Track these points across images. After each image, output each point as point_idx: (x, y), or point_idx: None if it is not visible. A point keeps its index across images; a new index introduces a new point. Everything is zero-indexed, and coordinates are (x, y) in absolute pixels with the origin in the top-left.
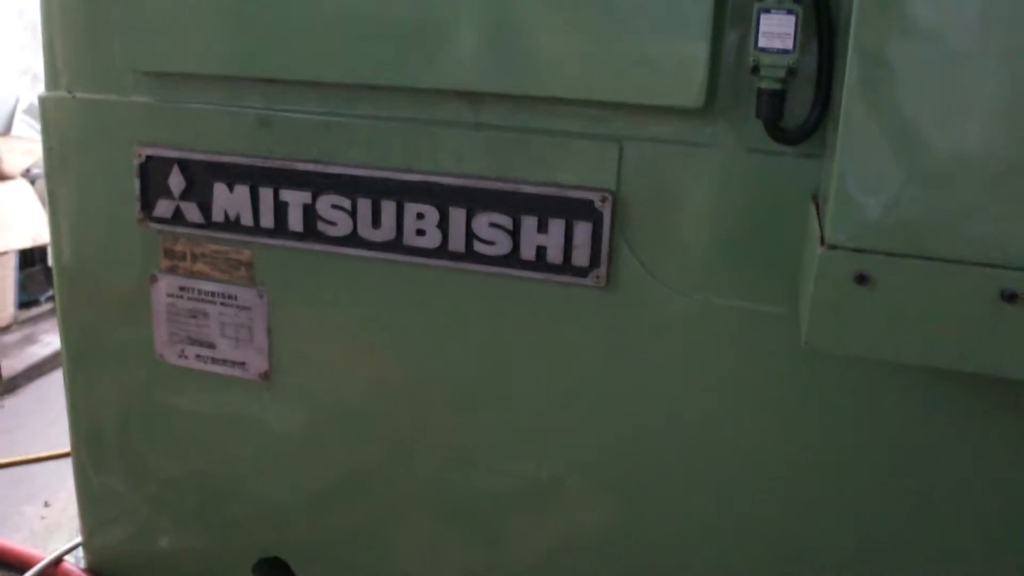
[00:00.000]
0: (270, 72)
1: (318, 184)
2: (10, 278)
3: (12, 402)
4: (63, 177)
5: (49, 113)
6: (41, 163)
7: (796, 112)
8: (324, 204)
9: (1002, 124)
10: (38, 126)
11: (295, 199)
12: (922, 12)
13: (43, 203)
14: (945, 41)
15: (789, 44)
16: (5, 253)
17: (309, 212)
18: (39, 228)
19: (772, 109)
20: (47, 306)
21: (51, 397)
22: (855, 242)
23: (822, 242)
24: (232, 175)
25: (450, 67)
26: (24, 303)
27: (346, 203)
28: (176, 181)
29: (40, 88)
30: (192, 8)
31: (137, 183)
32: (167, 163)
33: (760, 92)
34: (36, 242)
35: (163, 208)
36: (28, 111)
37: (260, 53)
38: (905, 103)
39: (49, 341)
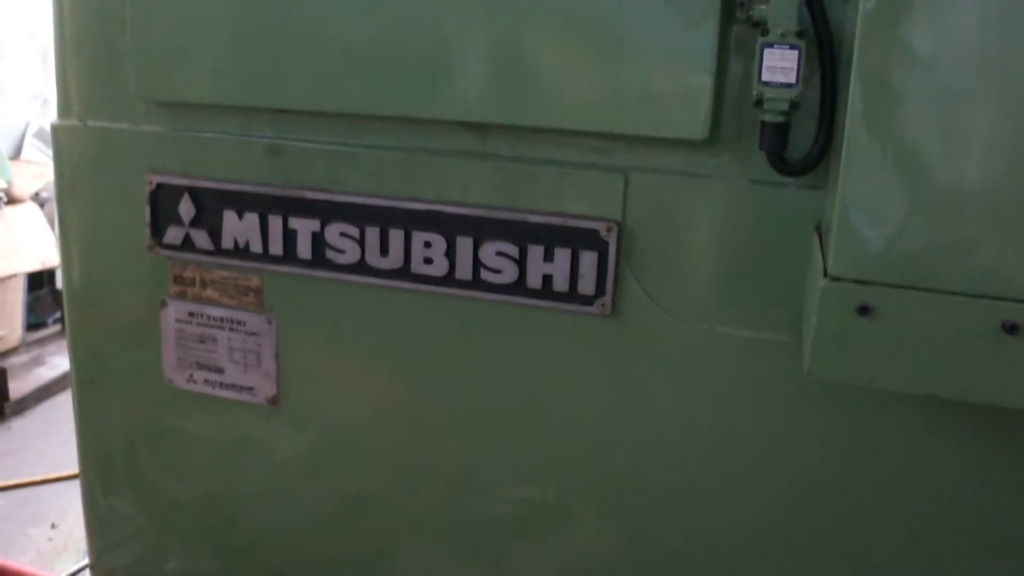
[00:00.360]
0: (280, 102)
1: (327, 212)
2: (18, 300)
3: (20, 424)
4: (74, 204)
5: (61, 141)
6: (50, 187)
7: (799, 144)
8: (332, 232)
9: (1003, 157)
10: (48, 150)
11: (304, 227)
12: (923, 46)
13: (52, 226)
14: (946, 74)
15: (792, 78)
16: (14, 276)
17: (318, 240)
18: (48, 251)
19: (775, 142)
20: (54, 328)
21: (59, 419)
22: (857, 274)
23: (825, 273)
24: (242, 203)
25: (457, 98)
26: (32, 325)
27: (354, 231)
28: (186, 208)
29: (50, 112)
30: (204, 38)
31: (148, 210)
32: (178, 191)
33: (763, 125)
34: (44, 265)
35: (173, 235)
36: (38, 135)
37: (270, 83)
38: (907, 136)
39: (57, 363)
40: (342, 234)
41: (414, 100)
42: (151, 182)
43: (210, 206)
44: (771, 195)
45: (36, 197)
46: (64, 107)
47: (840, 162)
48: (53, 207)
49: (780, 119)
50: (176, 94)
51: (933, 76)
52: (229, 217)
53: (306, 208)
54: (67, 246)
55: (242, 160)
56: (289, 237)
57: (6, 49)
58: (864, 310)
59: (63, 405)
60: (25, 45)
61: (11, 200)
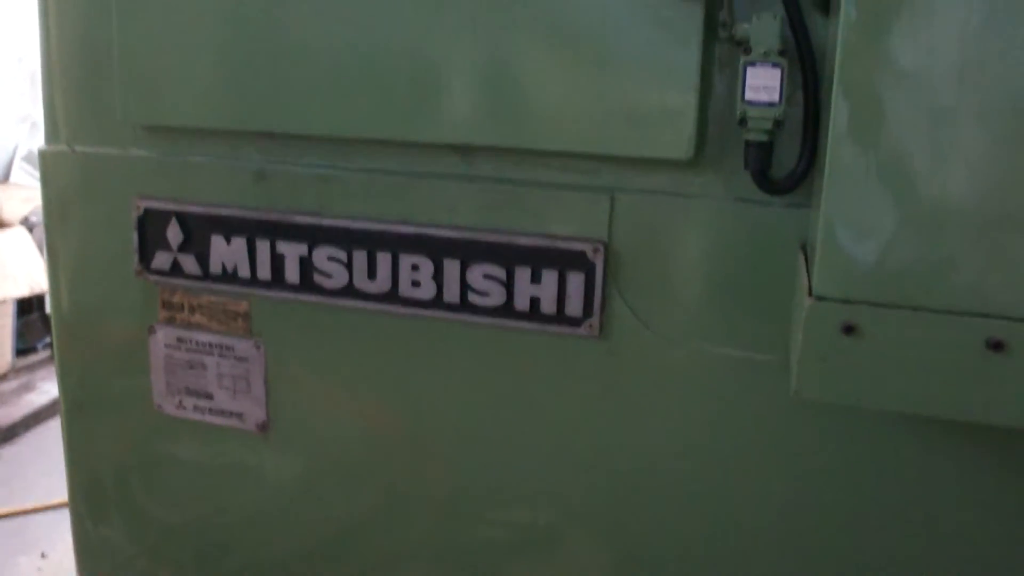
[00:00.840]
0: (267, 126)
1: (314, 236)
2: (8, 327)
3: (9, 451)
4: (62, 229)
5: (48, 166)
6: (39, 211)
7: (784, 163)
8: (320, 256)
9: (986, 172)
10: (37, 173)
11: (292, 251)
12: (905, 60)
13: (41, 251)
14: (929, 89)
15: (775, 97)
16: (3, 302)
17: (305, 264)
18: (37, 276)
19: (760, 160)
20: (44, 354)
21: (48, 446)
22: (842, 293)
23: (809, 293)
24: (229, 227)
25: (444, 121)
26: (21, 351)
27: (342, 255)
28: (174, 233)
29: (39, 135)
30: (190, 62)
31: (135, 235)
32: (165, 216)
33: (748, 144)
34: (34, 290)
35: (161, 260)
36: (27, 158)
37: (257, 107)
38: (889, 153)
39: (46, 389)
40: (330, 258)
41: (401, 123)
42: (139, 207)
43: (198, 231)
44: (757, 214)
45: (25, 221)
46: (51, 132)
47: (823, 180)
48: (42, 231)
49: (764, 138)
50: (163, 118)
51: (916, 91)
52: (217, 242)
53: (294, 232)
54: (55, 271)
55: (230, 185)
56: (277, 261)
57: None
58: (849, 329)
59: (53, 432)
60: (13, 67)
61: (0, 224)
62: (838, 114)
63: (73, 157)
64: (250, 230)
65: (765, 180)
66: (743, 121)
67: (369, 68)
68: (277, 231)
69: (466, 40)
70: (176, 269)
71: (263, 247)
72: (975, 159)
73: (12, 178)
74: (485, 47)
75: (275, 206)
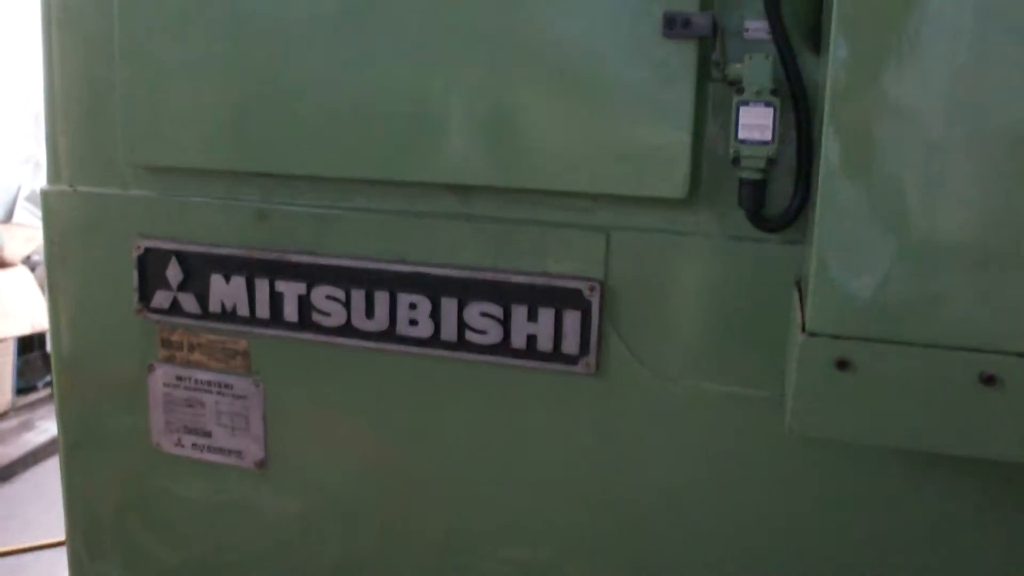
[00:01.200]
0: (267, 167)
1: (313, 275)
2: (8, 365)
3: (8, 490)
4: (63, 268)
5: (51, 206)
6: (41, 250)
7: (778, 200)
8: (319, 295)
9: (977, 207)
10: (39, 213)
11: (290, 290)
12: (896, 96)
13: (42, 290)
14: (917, 127)
15: (768, 135)
16: (4, 341)
17: (304, 303)
18: (38, 315)
19: (753, 198)
20: (44, 392)
21: (47, 484)
22: (835, 329)
23: (803, 329)
24: (229, 267)
25: (441, 162)
26: (22, 389)
27: (340, 294)
28: (174, 273)
29: (42, 175)
30: (191, 105)
31: (136, 275)
32: (165, 255)
33: (741, 182)
34: (35, 329)
35: (161, 299)
36: (30, 198)
37: (256, 148)
38: (880, 190)
39: (46, 428)
40: (328, 297)
41: (398, 164)
42: (139, 246)
43: (197, 270)
44: (751, 251)
45: (27, 260)
46: (54, 172)
47: (815, 217)
48: (44, 270)
49: (757, 176)
50: (163, 159)
51: (906, 129)
52: (216, 281)
53: (292, 271)
54: (56, 310)
55: (229, 224)
56: (276, 300)
57: None
58: (843, 364)
59: (51, 470)
60: (18, 108)
61: (2, 264)
62: (829, 152)
63: (75, 197)
64: (249, 269)
65: (759, 218)
66: (736, 160)
67: (367, 110)
68: (276, 270)
69: (463, 82)
70: (176, 308)
71: (262, 286)
72: (965, 196)
73: (15, 218)
74: (482, 89)
75: (274, 245)
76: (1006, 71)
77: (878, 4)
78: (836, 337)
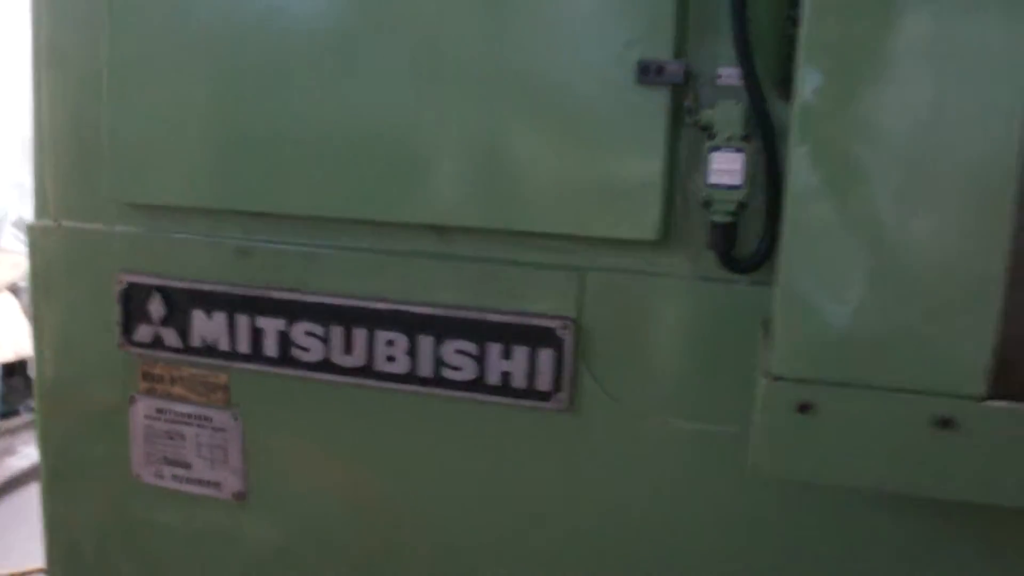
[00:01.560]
0: (247, 205)
1: (293, 312)
2: None
3: None
4: (47, 300)
5: (36, 240)
6: (27, 276)
7: (749, 241)
8: (298, 331)
9: (933, 257)
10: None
11: (270, 326)
12: (854, 146)
13: (27, 316)
14: (877, 175)
15: (738, 180)
16: None
17: (284, 339)
18: (22, 341)
19: (724, 242)
20: (27, 416)
21: (28, 512)
22: (797, 372)
23: (767, 373)
24: (210, 302)
25: (420, 202)
26: (4, 414)
27: (319, 330)
28: (156, 307)
29: (29, 201)
30: (176, 143)
31: (118, 309)
32: (148, 290)
33: (712, 226)
34: (19, 355)
35: (143, 333)
36: (17, 224)
37: (239, 187)
38: (842, 238)
39: (27, 453)
40: (307, 333)
41: (378, 203)
42: (122, 281)
43: (180, 305)
44: (722, 292)
45: (13, 287)
46: (40, 206)
47: (779, 262)
48: (26, 295)
49: (728, 220)
50: (148, 196)
51: (864, 178)
52: (198, 316)
53: (273, 308)
54: (40, 340)
55: (211, 260)
56: (256, 336)
57: None
58: (804, 408)
59: (33, 497)
60: (5, 134)
61: None
62: (791, 203)
63: (59, 231)
64: (231, 305)
65: (730, 260)
66: (708, 204)
67: (348, 151)
68: (257, 306)
69: (444, 124)
70: (158, 342)
71: (243, 322)
72: (923, 244)
73: (1, 243)
74: (463, 132)
75: (255, 282)
76: (971, 113)
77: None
78: (798, 381)
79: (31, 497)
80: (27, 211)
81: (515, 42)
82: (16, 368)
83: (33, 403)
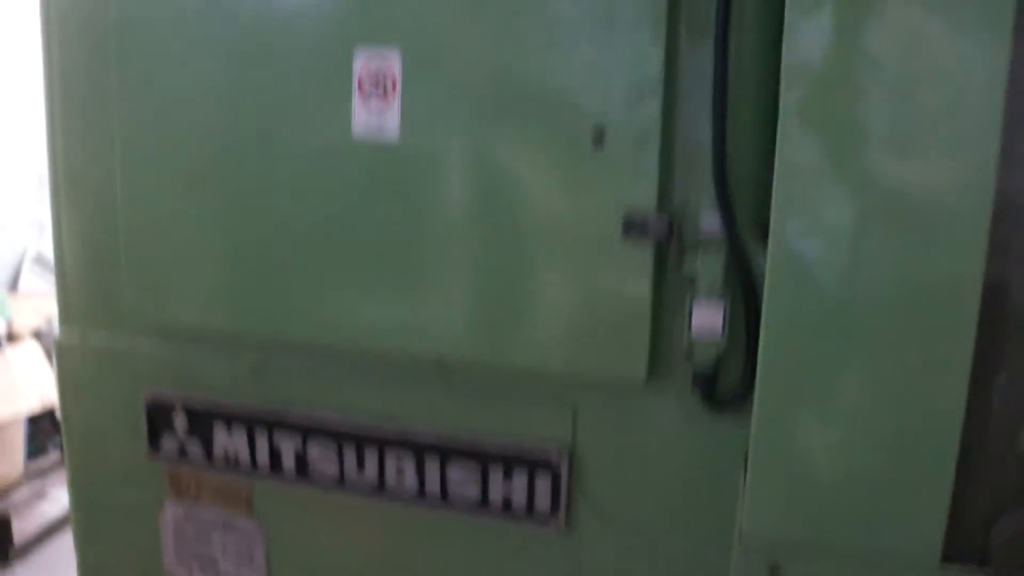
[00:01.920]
0: (259, 331)
1: (308, 430)
2: (19, 437)
3: (23, 568)
4: (76, 409)
5: (63, 352)
6: (48, 319)
7: (735, 373)
8: (314, 448)
9: (891, 430)
10: (46, 275)
11: (288, 443)
12: (816, 299)
13: (50, 360)
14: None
15: (718, 332)
16: (16, 420)
17: (300, 455)
18: (47, 389)
19: (705, 387)
20: (55, 455)
21: (63, 560)
22: (769, 536)
23: (739, 537)
24: (231, 418)
25: (426, 338)
26: (32, 452)
27: (333, 448)
28: (180, 421)
29: (47, 237)
30: (189, 267)
31: (144, 421)
32: (171, 405)
33: (694, 372)
34: (44, 404)
35: (169, 444)
36: (36, 259)
37: (250, 312)
38: (805, 414)
39: (58, 497)
40: (322, 451)
41: (385, 338)
42: (147, 395)
43: (202, 420)
44: (707, 427)
45: (36, 332)
46: (64, 314)
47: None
48: (51, 340)
49: (709, 369)
50: (164, 318)
51: (827, 337)
52: (219, 430)
53: (289, 426)
54: (70, 443)
55: (230, 379)
56: (275, 451)
57: (3, 179)
58: (774, 570)
59: (68, 544)
60: (22, 173)
61: (11, 337)
62: (762, 389)
63: (85, 344)
64: (250, 422)
65: (712, 402)
66: (690, 353)
67: (356, 287)
68: (274, 424)
69: (446, 269)
70: (183, 453)
71: (262, 437)
72: (883, 419)
73: (21, 284)
74: (464, 279)
75: (272, 400)
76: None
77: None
78: (768, 544)
79: (65, 545)
80: (45, 247)
81: (511, 204)
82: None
83: (59, 438)
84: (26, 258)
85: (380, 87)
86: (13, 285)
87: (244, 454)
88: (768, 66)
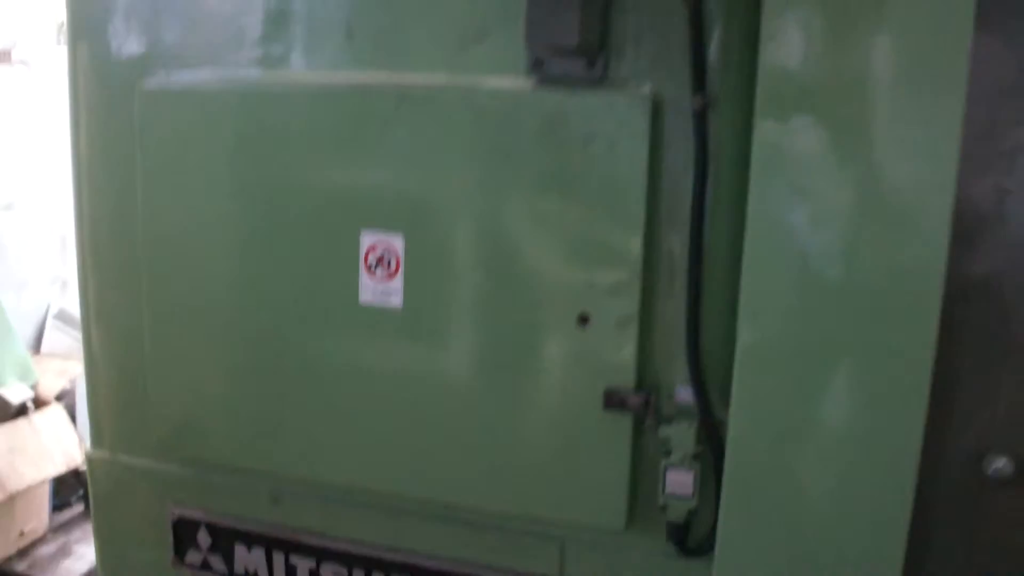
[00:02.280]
0: (279, 471)
1: (321, 554)
2: (45, 496)
3: None
4: (107, 521)
5: (95, 469)
6: (73, 383)
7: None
8: (327, 571)
9: None
10: (69, 330)
11: (303, 565)
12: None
13: (74, 422)
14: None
15: (689, 493)
16: (43, 483)
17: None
18: (72, 450)
19: (678, 535)
20: (78, 507)
21: None
22: None
23: None
24: (250, 539)
25: (429, 485)
26: (57, 506)
27: (344, 572)
28: (203, 538)
29: (69, 294)
30: (214, 412)
31: (171, 535)
32: (196, 523)
33: (668, 523)
34: (69, 465)
35: (193, 557)
36: (59, 316)
37: (267, 451)
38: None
39: (83, 553)
40: (334, 574)
41: (390, 479)
42: (173, 513)
43: (224, 538)
44: (682, 565)
45: (60, 394)
46: (96, 436)
47: None
48: (74, 398)
49: (681, 522)
50: (188, 451)
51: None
52: (240, 549)
53: (303, 549)
54: (102, 550)
55: (249, 504)
56: (291, 571)
57: (27, 238)
58: None
59: None
60: (45, 232)
61: (37, 402)
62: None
63: (115, 463)
64: (267, 543)
65: (685, 548)
66: (664, 508)
67: (358, 419)
68: (289, 546)
69: (450, 428)
70: (206, 566)
71: (279, 558)
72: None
73: (45, 343)
74: (465, 435)
75: (288, 524)
76: None
77: None
78: None
79: None
80: (68, 303)
81: (506, 372)
82: None
83: (83, 492)
84: (49, 314)
85: (385, 263)
86: (37, 345)
87: (263, 571)
88: (740, 251)
